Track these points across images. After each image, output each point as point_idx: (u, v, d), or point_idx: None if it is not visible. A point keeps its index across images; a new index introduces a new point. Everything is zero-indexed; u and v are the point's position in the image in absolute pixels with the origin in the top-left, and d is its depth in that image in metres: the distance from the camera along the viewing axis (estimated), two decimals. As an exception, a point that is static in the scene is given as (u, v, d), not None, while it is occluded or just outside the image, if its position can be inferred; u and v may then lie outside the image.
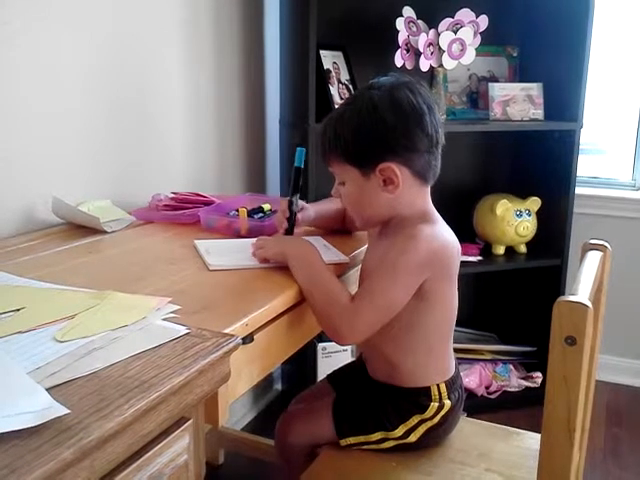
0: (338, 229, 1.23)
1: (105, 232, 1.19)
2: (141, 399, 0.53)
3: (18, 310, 0.73)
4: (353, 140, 0.99)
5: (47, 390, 0.54)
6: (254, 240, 1.07)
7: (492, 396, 2.09)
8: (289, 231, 1.12)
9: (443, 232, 1.03)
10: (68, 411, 0.51)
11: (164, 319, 0.72)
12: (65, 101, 1.26)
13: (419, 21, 1.80)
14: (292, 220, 1.12)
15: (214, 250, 1.07)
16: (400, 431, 1.06)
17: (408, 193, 1.01)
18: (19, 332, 0.67)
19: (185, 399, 0.59)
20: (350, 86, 1.89)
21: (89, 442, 0.48)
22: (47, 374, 0.58)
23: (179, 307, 0.76)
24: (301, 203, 1.18)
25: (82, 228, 1.20)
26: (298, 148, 1.11)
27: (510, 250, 2.07)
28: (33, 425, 0.49)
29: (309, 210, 1.19)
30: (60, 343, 0.64)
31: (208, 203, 1.35)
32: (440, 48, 1.78)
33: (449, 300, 1.05)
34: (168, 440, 0.58)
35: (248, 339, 0.82)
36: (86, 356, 0.61)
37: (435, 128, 0.99)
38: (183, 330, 0.68)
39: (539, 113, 1.97)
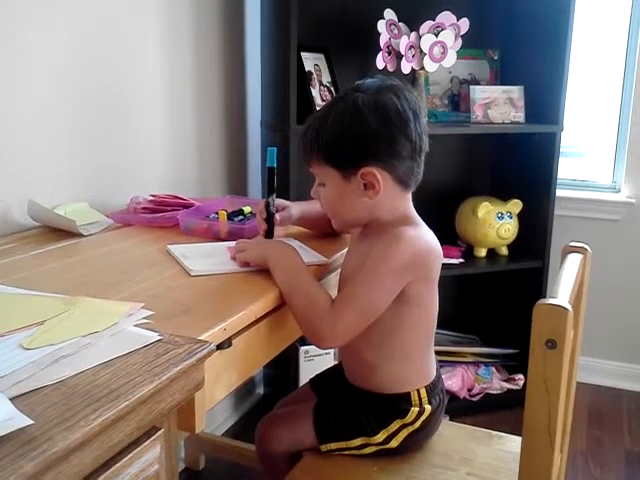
0: (325, 231, 1.20)
1: (82, 235, 1.17)
2: (109, 409, 0.52)
3: (-15, 317, 0.71)
4: (335, 142, 0.98)
5: (11, 400, 0.52)
6: (229, 243, 1.05)
7: (474, 398, 2.09)
8: (269, 232, 1.10)
9: (426, 235, 1.02)
10: (32, 422, 0.49)
11: (136, 325, 0.71)
12: (40, 102, 1.24)
13: (400, 24, 1.80)
14: (270, 221, 1.11)
15: (191, 254, 1.04)
16: (381, 437, 1.05)
17: (388, 199, 1.00)
18: (-15, 339, 0.65)
19: (156, 408, 0.57)
20: (332, 88, 1.89)
21: (53, 454, 0.46)
22: (12, 383, 0.56)
23: (152, 312, 0.75)
24: (283, 202, 1.17)
25: (58, 231, 1.18)
26: (269, 148, 1.10)
27: (492, 252, 2.07)
28: (-6, 437, 0.47)
29: (291, 209, 1.17)
30: (27, 350, 0.62)
31: (187, 206, 1.33)
32: (421, 51, 1.78)
33: (430, 304, 1.04)
34: (138, 450, 0.57)
35: (226, 344, 0.81)
36: (54, 364, 0.60)
37: (419, 135, 0.98)
38: (155, 336, 0.67)
39: (520, 116, 1.97)
